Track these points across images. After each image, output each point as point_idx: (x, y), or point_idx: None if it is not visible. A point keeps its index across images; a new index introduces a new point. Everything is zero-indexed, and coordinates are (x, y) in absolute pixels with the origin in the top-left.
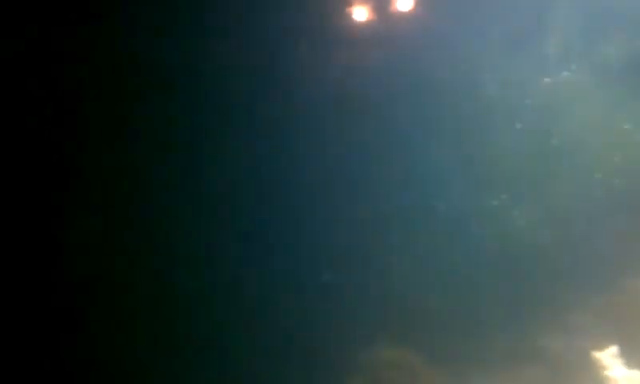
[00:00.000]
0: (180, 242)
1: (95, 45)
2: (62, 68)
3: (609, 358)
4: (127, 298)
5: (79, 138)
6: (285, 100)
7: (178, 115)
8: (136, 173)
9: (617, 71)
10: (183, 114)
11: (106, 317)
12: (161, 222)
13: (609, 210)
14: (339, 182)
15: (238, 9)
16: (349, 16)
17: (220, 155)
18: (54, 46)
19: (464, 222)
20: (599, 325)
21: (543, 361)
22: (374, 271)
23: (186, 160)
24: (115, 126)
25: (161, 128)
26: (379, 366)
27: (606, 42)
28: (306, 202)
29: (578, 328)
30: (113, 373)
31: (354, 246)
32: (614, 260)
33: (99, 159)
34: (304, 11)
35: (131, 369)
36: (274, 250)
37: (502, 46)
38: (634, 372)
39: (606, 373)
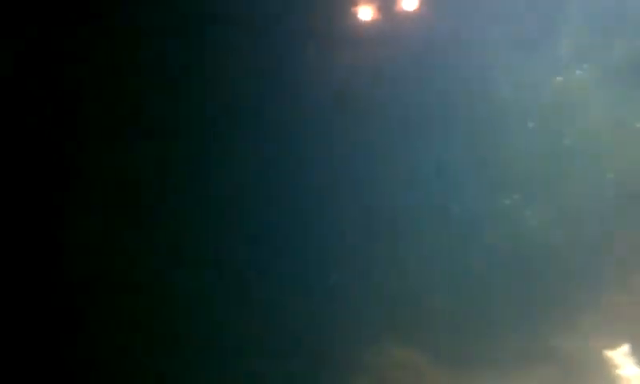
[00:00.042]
0: (185, 244)
1: (97, 45)
2: (62, 68)
3: (620, 356)
4: (128, 299)
5: (79, 137)
6: (293, 102)
7: (182, 116)
8: (138, 173)
9: (629, 71)
10: (187, 114)
11: (112, 317)
12: (164, 223)
13: (621, 209)
14: (348, 183)
15: (243, 9)
16: (360, 17)
17: (225, 156)
18: (53, 46)
19: (476, 222)
20: (611, 324)
21: (555, 360)
22: (385, 272)
23: (190, 161)
24: (116, 126)
25: (164, 128)
26: (387, 366)
27: (618, 42)
28: (315, 202)
29: (590, 327)
30: (118, 373)
31: (366, 246)
32: (625, 259)
33: (100, 159)
34: (311, 12)
35: (131, 369)
36: (280, 251)
37: (514, 46)
38: None
39: (618, 372)
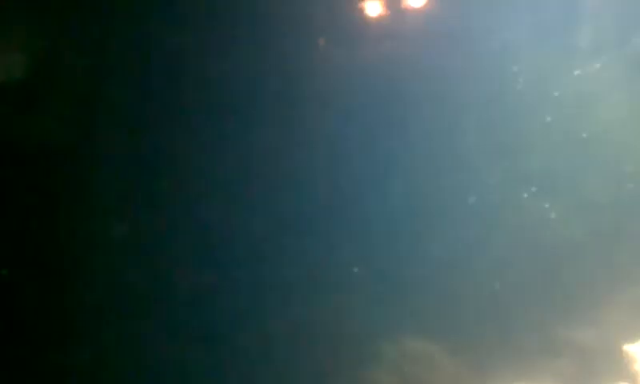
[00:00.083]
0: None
1: (98, 44)
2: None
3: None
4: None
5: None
6: (299, 98)
7: (183, 113)
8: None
9: None
10: (188, 110)
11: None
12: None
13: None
14: (366, 177)
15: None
16: (369, 10)
17: (228, 154)
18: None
19: (494, 215)
20: (630, 318)
21: (573, 354)
22: (403, 264)
23: (193, 161)
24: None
25: (166, 127)
26: (404, 359)
27: (638, 33)
28: (338, 194)
29: (609, 321)
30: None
31: (385, 238)
32: None
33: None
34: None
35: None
36: (300, 242)
37: (532, 37)
38: None
39: (637, 366)
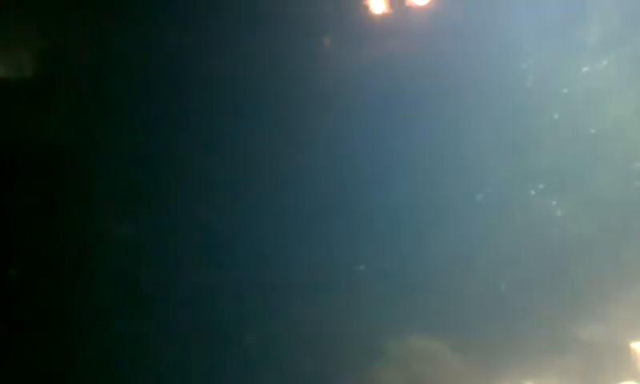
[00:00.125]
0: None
1: (99, 43)
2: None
3: None
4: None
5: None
6: (301, 97)
7: (186, 112)
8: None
9: None
10: (191, 109)
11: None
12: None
13: None
14: (373, 174)
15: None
16: (373, 7)
17: (232, 154)
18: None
19: (501, 212)
20: (638, 315)
21: (580, 351)
22: (409, 261)
23: (195, 161)
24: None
25: (168, 126)
26: (409, 356)
27: None
28: (343, 191)
29: (617, 318)
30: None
31: (390, 235)
32: None
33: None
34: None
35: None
36: (304, 240)
37: (539, 34)
38: None
39: None
